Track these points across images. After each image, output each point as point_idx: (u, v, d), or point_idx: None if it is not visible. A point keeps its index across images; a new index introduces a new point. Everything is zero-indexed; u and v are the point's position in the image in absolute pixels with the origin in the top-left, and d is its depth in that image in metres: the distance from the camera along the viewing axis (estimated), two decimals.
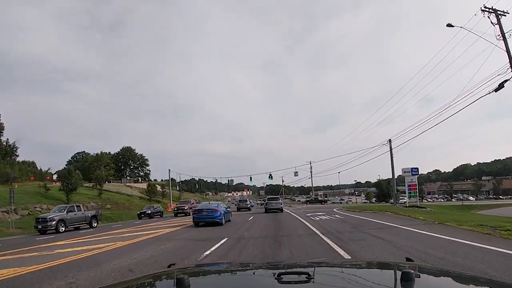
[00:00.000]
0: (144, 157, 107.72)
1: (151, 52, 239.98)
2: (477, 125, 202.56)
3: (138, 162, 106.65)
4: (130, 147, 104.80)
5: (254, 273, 1.73)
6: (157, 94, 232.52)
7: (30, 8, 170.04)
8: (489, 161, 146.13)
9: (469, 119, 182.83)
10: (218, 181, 50.73)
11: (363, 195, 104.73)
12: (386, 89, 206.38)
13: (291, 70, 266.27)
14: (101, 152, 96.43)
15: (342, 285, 1.31)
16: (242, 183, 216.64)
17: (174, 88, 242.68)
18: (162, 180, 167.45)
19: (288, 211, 31.21)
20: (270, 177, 46.63)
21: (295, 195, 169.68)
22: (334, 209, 30.58)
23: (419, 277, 1.27)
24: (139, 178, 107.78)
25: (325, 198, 65.56)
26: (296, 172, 51.54)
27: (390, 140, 36.22)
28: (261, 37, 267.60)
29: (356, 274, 1.55)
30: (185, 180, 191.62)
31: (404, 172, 28.22)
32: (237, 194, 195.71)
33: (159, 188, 64.18)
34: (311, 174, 60.64)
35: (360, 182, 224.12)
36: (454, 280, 1.44)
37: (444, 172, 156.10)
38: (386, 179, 68.94)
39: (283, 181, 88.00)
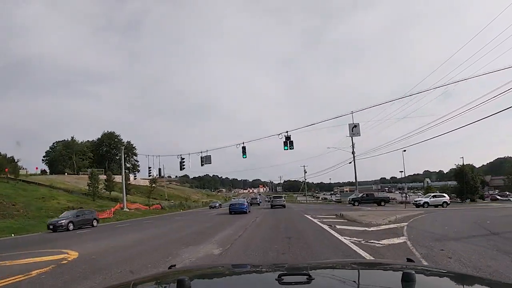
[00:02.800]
0: (131, 144, 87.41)
1: (166, 52, 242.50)
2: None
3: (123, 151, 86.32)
4: (113, 132, 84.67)
5: (254, 274, 1.71)
6: (173, 94, 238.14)
7: (50, 10, 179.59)
8: None
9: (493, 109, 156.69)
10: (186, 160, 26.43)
11: (397, 191, 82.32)
12: (405, 85, 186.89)
13: (308, 68, 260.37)
14: (72, 138, 76.28)
15: (343, 286, 1.32)
16: (258, 179, 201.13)
17: (190, 88, 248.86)
18: (176, 176, 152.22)
19: None
20: (288, 144, 22.89)
21: (316, 191, 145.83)
22: None
23: (420, 278, 1.25)
24: (127, 171, 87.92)
25: (385, 196, 41.36)
26: (356, 126, 24.60)
27: None
28: (278, 36, 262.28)
29: (356, 275, 1.55)
30: (199, 176, 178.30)
31: None
32: (252, 191, 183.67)
33: (117, 179, 43.23)
34: (354, 156, 37.41)
35: (385, 178, 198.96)
36: (455, 280, 1.43)
37: (474, 166, 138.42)
38: (468, 164, 44.86)
39: (305, 172, 65.56)
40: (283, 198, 37.95)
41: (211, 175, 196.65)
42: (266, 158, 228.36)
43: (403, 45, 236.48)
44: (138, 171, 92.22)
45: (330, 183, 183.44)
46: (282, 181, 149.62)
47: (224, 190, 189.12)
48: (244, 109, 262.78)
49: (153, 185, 43.89)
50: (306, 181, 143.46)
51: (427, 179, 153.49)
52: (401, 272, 1.13)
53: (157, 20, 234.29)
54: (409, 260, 1.79)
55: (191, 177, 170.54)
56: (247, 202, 29.46)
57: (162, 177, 60.62)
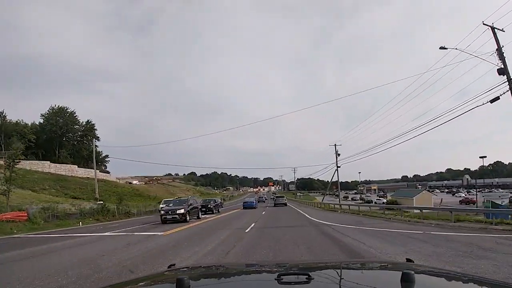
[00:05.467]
0: (91, 125, 64.87)
1: (179, 51, 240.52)
2: None
3: (78, 133, 63.84)
4: (65, 107, 62.00)
5: (254, 274, 1.72)
6: (185, 92, 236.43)
7: (60, 11, 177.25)
8: None
9: None
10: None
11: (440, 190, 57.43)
12: (418, 82, 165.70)
13: (321, 66, 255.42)
14: (1, 114, 53.81)
15: (342, 286, 1.33)
16: (270, 177, 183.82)
17: (202, 87, 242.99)
18: (184, 174, 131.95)
19: None
20: None
21: (335, 189, 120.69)
22: None
23: (419, 278, 1.27)
24: (92, 162, 65.30)
25: None
26: None
27: None
28: (290, 34, 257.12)
29: (356, 275, 1.57)
30: (206, 174, 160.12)
31: None
32: (260, 189, 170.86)
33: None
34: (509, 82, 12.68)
35: (406, 176, 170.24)
36: (454, 281, 1.43)
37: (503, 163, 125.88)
38: None
39: (338, 154, 41.54)
40: (285, 198, 46.89)
41: (219, 173, 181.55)
42: (278, 159, 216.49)
43: (417, 40, 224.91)
44: (107, 161, 69.94)
45: (346, 181, 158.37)
46: (295, 179, 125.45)
47: (231, 188, 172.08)
48: (257, 106, 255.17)
49: (11, 173, 19.87)
50: (319, 178, 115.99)
51: (467, 176, 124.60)
52: (401, 272, 1.12)
53: (168, 19, 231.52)
54: (408, 260, 1.75)
55: (198, 174, 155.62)
56: (255, 200, 41.98)
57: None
